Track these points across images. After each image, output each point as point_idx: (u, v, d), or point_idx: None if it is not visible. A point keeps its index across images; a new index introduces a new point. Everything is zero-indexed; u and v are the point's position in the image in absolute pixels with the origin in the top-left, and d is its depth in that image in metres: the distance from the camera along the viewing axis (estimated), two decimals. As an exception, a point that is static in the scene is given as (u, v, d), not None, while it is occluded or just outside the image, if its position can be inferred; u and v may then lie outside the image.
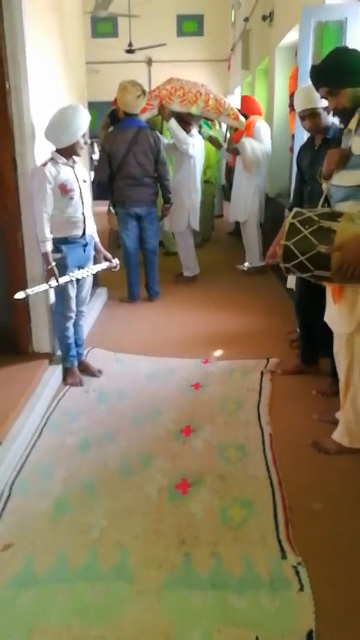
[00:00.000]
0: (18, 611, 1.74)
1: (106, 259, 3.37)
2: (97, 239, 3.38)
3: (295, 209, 2.34)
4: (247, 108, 5.57)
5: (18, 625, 1.69)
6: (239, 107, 5.66)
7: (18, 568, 1.92)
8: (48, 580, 1.86)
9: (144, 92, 4.51)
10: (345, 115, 2.35)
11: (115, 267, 3.40)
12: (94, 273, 3.29)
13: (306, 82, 3.77)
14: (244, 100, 5.82)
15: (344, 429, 2.55)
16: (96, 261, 3.37)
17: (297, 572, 1.88)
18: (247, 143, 5.27)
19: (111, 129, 5.08)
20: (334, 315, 2.46)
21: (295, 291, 3.33)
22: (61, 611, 1.74)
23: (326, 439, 2.60)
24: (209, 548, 2.00)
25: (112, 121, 5.46)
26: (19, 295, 2.84)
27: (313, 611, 1.74)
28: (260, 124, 5.38)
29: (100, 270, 3.36)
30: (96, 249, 3.36)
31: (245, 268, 3.11)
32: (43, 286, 2.97)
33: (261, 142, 5.33)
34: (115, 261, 3.38)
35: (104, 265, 3.36)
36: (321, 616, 1.73)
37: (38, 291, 2.97)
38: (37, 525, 2.13)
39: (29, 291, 2.91)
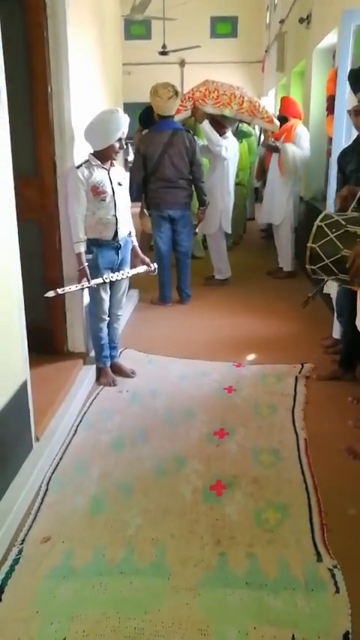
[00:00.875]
0: (58, 601, 1.83)
1: (144, 263, 3.45)
2: (136, 242, 3.46)
3: (325, 212, 2.39)
4: (287, 110, 5.56)
5: (58, 613, 1.78)
6: (278, 108, 5.69)
7: (57, 561, 2.00)
8: (86, 573, 1.94)
9: (176, 93, 4.58)
10: None
11: (154, 272, 3.48)
12: (130, 276, 3.38)
13: (345, 86, 3.82)
14: (284, 101, 5.77)
15: None
16: (133, 265, 3.45)
17: (333, 575, 1.92)
18: (290, 149, 5.30)
19: (145, 131, 5.20)
20: None
21: (341, 298, 3.34)
22: (99, 603, 1.82)
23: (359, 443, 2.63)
24: (244, 549, 2.05)
25: (142, 122, 5.58)
26: (50, 294, 2.97)
27: (349, 613, 1.78)
28: (301, 130, 5.40)
29: (136, 273, 3.44)
30: (133, 253, 3.44)
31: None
32: (74, 287, 3.08)
33: (301, 147, 5.37)
34: (154, 266, 3.46)
35: (141, 269, 3.44)
36: (356, 619, 1.76)
37: (69, 292, 3.08)
38: (74, 521, 2.22)
39: (60, 290, 3.02)
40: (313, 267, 2.37)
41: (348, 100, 3.93)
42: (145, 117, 5.75)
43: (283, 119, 5.51)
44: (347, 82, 3.90)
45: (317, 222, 2.34)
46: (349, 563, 1.98)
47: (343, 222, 2.28)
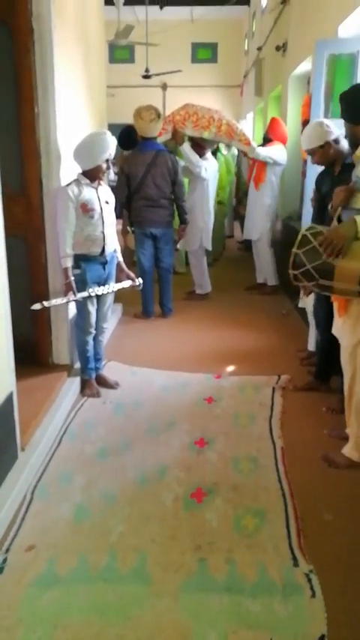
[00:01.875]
0: (42, 609, 1.81)
1: (129, 278, 3.47)
2: (121, 258, 3.48)
3: (310, 224, 2.46)
4: (273, 131, 5.55)
5: (42, 622, 1.76)
6: (266, 128, 5.73)
7: (41, 568, 1.98)
8: (70, 580, 1.93)
9: (159, 115, 4.62)
10: (356, 143, 2.49)
11: (139, 286, 3.51)
12: (115, 290, 3.39)
13: (318, 114, 3.92)
14: (272, 122, 5.71)
15: (353, 444, 2.61)
16: (118, 280, 3.46)
17: (309, 580, 1.93)
18: (259, 150, 5.33)
19: (128, 152, 5.23)
20: (339, 328, 2.56)
21: (318, 309, 3.38)
22: (83, 610, 1.80)
23: (336, 453, 2.66)
24: (224, 555, 2.05)
25: (121, 144, 5.61)
26: (36, 307, 2.97)
27: (325, 616, 1.79)
28: (278, 147, 5.44)
29: (122, 288, 3.46)
30: (119, 268, 3.46)
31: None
32: (60, 300, 3.08)
33: (274, 162, 5.42)
34: (139, 280, 3.48)
35: (126, 284, 3.46)
36: (332, 622, 1.77)
37: (55, 305, 3.09)
38: (59, 529, 2.20)
39: (46, 303, 3.02)
40: (295, 273, 2.45)
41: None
42: (125, 138, 5.81)
43: (267, 140, 5.56)
44: (321, 107, 4.01)
45: (303, 231, 2.43)
46: (325, 568, 2.00)
47: (322, 251, 2.36)
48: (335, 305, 2.57)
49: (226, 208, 7.40)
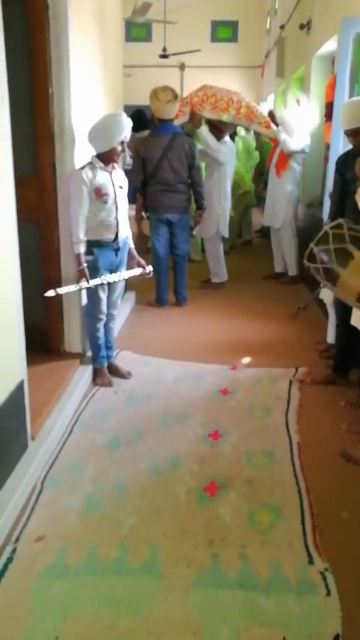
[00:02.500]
0: (51, 600, 1.83)
1: (140, 265, 3.47)
2: (132, 245, 3.48)
3: (339, 220, 2.44)
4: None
5: (52, 612, 1.78)
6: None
7: (50, 559, 2.01)
8: (79, 572, 1.95)
9: (175, 96, 4.59)
10: None
11: (149, 274, 3.50)
12: (126, 278, 3.40)
13: (342, 95, 3.86)
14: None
15: None
16: (129, 267, 3.47)
17: (324, 578, 1.94)
18: (289, 144, 5.27)
19: (141, 133, 5.19)
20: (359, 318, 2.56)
21: (338, 301, 3.35)
22: (93, 602, 1.83)
23: (355, 449, 2.65)
24: (237, 550, 2.06)
25: (140, 126, 5.58)
26: (50, 293, 2.98)
27: (340, 616, 1.79)
28: (304, 138, 5.37)
29: (132, 275, 3.46)
30: (130, 255, 3.46)
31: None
32: (73, 287, 3.09)
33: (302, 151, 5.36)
34: (149, 268, 3.48)
35: (137, 271, 3.46)
36: (347, 622, 1.78)
37: (68, 292, 3.10)
38: (68, 520, 2.22)
39: (60, 290, 3.03)
40: (308, 264, 2.46)
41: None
42: (135, 120, 5.77)
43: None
44: (346, 88, 3.96)
45: (327, 228, 2.41)
46: (340, 566, 2.00)
47: (347, 238, 2.34)
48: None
49: (251, 197, 7.27)
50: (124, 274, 3.36)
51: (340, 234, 2.37)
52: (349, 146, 3.39)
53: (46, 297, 3.02)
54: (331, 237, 2.37)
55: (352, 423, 2.92)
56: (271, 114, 5.44)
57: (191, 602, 1.83)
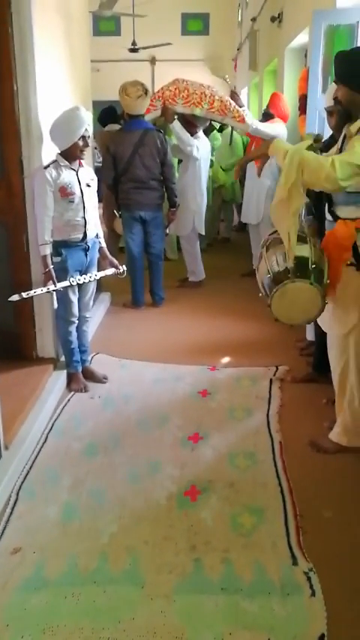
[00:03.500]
0: (29, 613, 1.83)
1: (112, 265, 3.47)
2: (104, 244, 3.48)
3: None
4: (275, 107, 5.41)
5: (30, 626, 1.78)
6: (266, 104, 5.66)
7: (28, 572, 2.00)
8: (58, 583, 1.95)
9: (146, 91, 4.60)
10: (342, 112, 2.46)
11: (122, 274, 3.50)
12: (98, 278, 3.40)
13: (315, 88, 3.91)
14: (273, 97, 5.57)
15: (342, 429, 2.70)
16: (101, 267, 3.47)
17: (308, 578, 1.97)
18: (252, 122, 5.24)
19: (110, 127, 5.16)
20: (327, 317, 2.62)
21: None
22: (73, 614, 1.83)
23: (324, 439, 2.74)
24: (220, 554, 2.08)
25: (101, 122, 5.57)
26: (14, 298, 2.96)
27: (325, 616, 1.82)
28: (280, 127, 5.38)
29: (104, 276, 3.47)
30: (101, 254, 3.46)
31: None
32: (40, 290, 3.08)
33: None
34: (122, 268, 3.48)
35: (110, 271, 3.46)
36: (332, 621, 1.81)
37: (35, 295, 3.09)
38: (46, 530, 2.22)
39: (25, 294, 3.02)
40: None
41: (320, 99, 4.01)
42: (106, 116, 5.77)
43: (268, 116, 5.50)
44: (319, 81, 4.00)
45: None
46: (324, 566, 2.03)
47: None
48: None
49: (226, 192, 7.28)
50: (95, 275, 3.35)
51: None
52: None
53: (15, 301, 3.00)
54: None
55: (333, 421, 2.96)
56: (234, 93, 5.37)
57: (174, 609, 1.85)
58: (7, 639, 1.74)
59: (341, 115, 2.46)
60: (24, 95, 3.17)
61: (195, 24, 13.08)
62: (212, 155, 6.16)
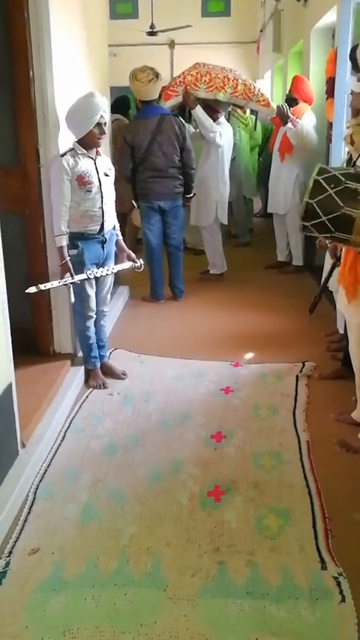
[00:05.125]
0: (48, 615, 1.85)
1: (130, 259, 3.47)
2: (121, 236, 3.49)
3: (319, 165, 2.41)
4: (297, 91, 5.42)
5: (49, 628, 1.80)
6: (289, 88, 5.62)
7: (46, 573, 2.02)
8: (78, 585, 1.97)
9: (157, 75, 4.57)
10: None
11: (140, 268, 3.51)
12: (115, 272, 3.41)
13: (345, 67, 3.87)
14: (296, 81, 5.58)
15: None
16: (118, 260, 3.47)
17: (338, 583, 1.96)
18: (301, 125, 5.24)
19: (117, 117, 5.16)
20: (346, 306, 2.64)
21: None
22: (92, 616, 1.84)
23: (353, 437, 2.74)
24: (245, 557, 2.08)
25: (115, 110, 5.56)
26: (31, 290, 2.99)
27: (355, 622, 1.81)
28: (308, 117, 5.31)
29: (122, 269, 3.47)
30: (118, 247, 3.47)
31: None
32: (57, 283, 3.10)
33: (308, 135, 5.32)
34: (140, 262, 3.48)
35: (127, 265, 3.47)
36: (363, 628, 1.80)
37: (52, 288, 3.11)
38: (64, 530, 2.24)
39: (42, 286, 3.04)
40: (306, 224, 2.40)
41: (349, 82, 3.97)
42: (122, 105, 5.78)
43: (292, 101, 5.46)
44: (348, 63, 3.96)
45: (314, 176, 2.37)
46: (355, 571, 2.02)
47: (342, 178, 2.31)
48: (340, 289, 2.63)
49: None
50: (112, 268, 3.36)
51: (331, 177, 2.34)
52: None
53: (32, 295, 3.03)
54: (324, 184, 2.34)
55: (341, 413, 2.98)
56: (280, 109, 5.35)
57: (197, 613, 1.85)
58: (26, 641, 1.76)
59: None
60: (40, 81, 3.19)
61: (216, 5, 12.94)
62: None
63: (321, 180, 2.33)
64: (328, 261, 3.47)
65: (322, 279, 3.40)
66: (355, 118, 2.82)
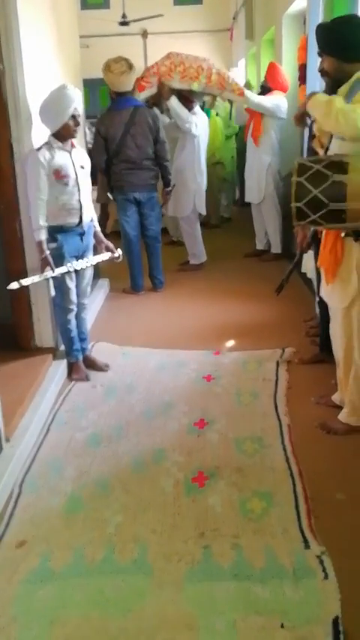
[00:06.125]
0: (37, 606, 1.86)
1: (108, 249, 3.48)
2: (98, 228, 3.49)
3: (298, 161, 2.44)
4: (273, 79, 5.43)
5: (38, 618, 1.81)
6: (264, 75, 5.63)
7: (34, 564, 2.04)
8: (65, 575, 1.98)
9: (130, 66, 4.56)
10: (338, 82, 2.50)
11: (118, 258, 3.52)
12: (94, 264, 3.41)
13: (315, 57, 3.87)
14: (271, 69, 5.57)
15: (350, 410, 2.73)
16: (96, 252, 3.48)
17: (321, 561, 1.99)
18: (250, 95, 5.23)
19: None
20: (329, 291, 2.65)
21: (316, 275, 3.42)
22: (81, 605, 1.86)
23: (334, 420, 2.78)
24: (230, 540, 2.11)
25: None
26: (13, 286, 2.98)
27: (339, 598, 1.85)
28: (280, 99, 5.36)
29: (101, 261, 3.48)
30: (97, 238, 3.47)
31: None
32: (38, 277, 3.10)
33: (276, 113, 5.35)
34: (118, 252, 3.49)
35: (106, 256, 3.47)
36: (346, 604, 1.83)
37: (33, 283, 3.10)
38: (51, 522, 2.25)
39: (23, 282, 3.04)
40: (299, 205, 2.42)
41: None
42: None
43: (266, 89, 5.46)
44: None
45: (299, 160, 2.41)
46: (337, 549, 2.06)
47: (328, 172, 2.33)
48: (322, 270, 2.65)
49: (223, 170, 7.26)
50: (91, 260, 3.37)
51: (314, 159, 2.41)
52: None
53: (11, 290, 3.02)
54: (309, 163, 2.36)
55: (322, 396, 3.04)
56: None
57: (184, 597, 1.88)
58: (15, 632, 1.78)
59: (331, 86, 2.55)
60: (11, 75, 3.17)
61: (187, -7, 12.88)
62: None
63: (305, 162, 2.38)
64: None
65: (292, 264, 3.45)
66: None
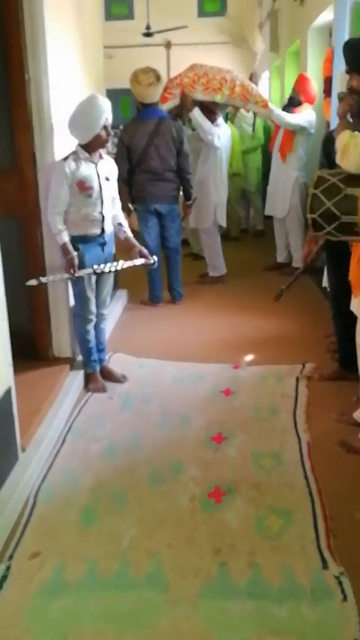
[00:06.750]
0: (51, 618, 1.87)
1: (142, 255, 3.50)
2: (130, 233, 3.51)
3: (317, 174, 2.59)
4: (304, 92, 5.43)
5: (51, 631, 1.83)
6: (292, 87, 5.65)
7: (48, 576, 2.05)
8: (79, 588, 1.99)
9: (158, 78, 4.61)
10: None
11: (153, 265, 3.54)
12: (125, 267, 3.42)
13: (342, 67, 3.89)
14: (301, 80, 5.57)
15: None
16: (130, 258, 3.48)
17: (340, 582, 1.98)
18: (277, 111, 5.27)
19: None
20: (357, 303, 2.67)
21: (330, 289, 3.43)
22: (94, 618, 1.87)
23: (354, 438, 2.76)
24: (246, 558, 2.11)
25: None
26: (31, 282, 3.03)
27: (357, 621, 1.84)
28: (310, 114, 5.37)
29: (132, 265, 3.48)
30: (129, 243, 3.49)
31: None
32: (60, 276, 3.13)
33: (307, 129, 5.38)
34: (154, 258, 3.51)
35: (139, 261, 3.48)
36: (365, 627, 1.82)
37: (53, 281, 3.15)
38: (65, 534, 2.27)
39: (42, 279, 3.08)
40: (314, 217, 2.57)
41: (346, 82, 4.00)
42: None
43: (295, 101, 5.44)
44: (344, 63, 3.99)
45: (318, 174, 2.52)
46: (357, 570, 2.04)
47: (342, 185, 2.43)
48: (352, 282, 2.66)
49: (243, 180, 7.29)
50: (123, 264, 3.38)
51: (329, 187, 2.51)
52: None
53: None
54: (328, 176, 2.50)
55: (343, 413, 3.01)
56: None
57: (199, 614, 1.88)
58: (28, 644, 1.79)
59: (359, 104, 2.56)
60: (36, 85, 3.23)
61: (212, 4, 13.00)
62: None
63: (324, 175, 2.51)
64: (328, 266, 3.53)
65: (294, 275, 3.51)
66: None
